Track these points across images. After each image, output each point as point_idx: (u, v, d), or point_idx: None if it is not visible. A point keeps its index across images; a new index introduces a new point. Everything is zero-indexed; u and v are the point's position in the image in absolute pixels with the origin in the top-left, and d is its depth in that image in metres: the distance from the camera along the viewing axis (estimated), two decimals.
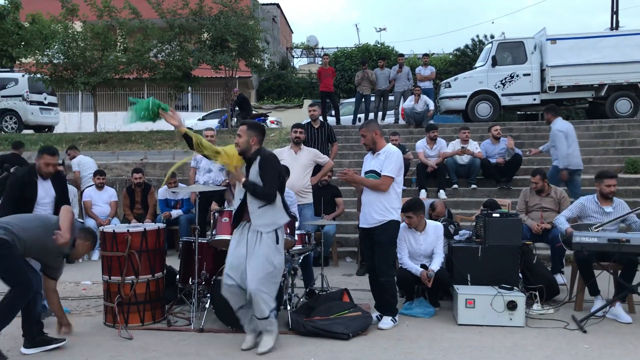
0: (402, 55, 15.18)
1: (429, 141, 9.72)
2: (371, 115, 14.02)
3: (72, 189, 7.99)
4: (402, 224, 5.70)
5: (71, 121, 23.32)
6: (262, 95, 26.57)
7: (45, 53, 15.02)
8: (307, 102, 21.39)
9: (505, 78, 14.11)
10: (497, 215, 5.66)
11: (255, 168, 4.40)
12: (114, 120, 20.64)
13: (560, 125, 8.35)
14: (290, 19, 53.46)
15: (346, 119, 15.41)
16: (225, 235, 4.92)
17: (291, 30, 36.93)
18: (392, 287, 5.07)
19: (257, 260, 4.31)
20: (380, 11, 77.98)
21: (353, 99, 15.40)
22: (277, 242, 4.40)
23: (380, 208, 4.95)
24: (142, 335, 4.81)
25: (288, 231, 5.17)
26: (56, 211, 5.26)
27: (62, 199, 5.46)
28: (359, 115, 14.46)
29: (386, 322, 5.03)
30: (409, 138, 12.05)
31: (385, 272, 5.01)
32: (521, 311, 5.02)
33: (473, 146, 9.65)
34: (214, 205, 6.88)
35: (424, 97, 12.90)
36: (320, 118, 9.33)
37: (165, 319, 5.21)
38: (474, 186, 9.62)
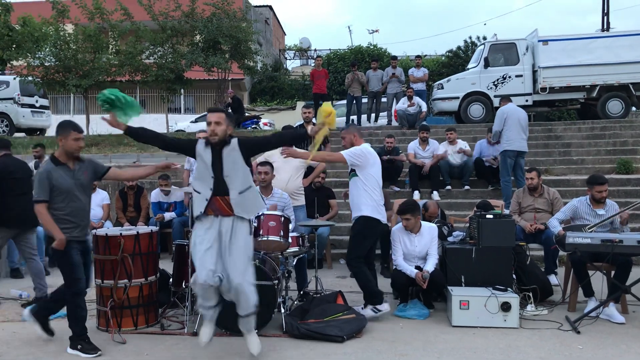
0: (395, 57, 15.19)
1: (421, 142, 9.74)
2: (364, 117, 14.01)
3: None
4: (398, 226, 5.72)
5: None
6: (255, 97, 26.56)
7: (37, 56, 14.95)
8: (300, 104, 21.40)
9: (497, 79, 14.15)
10: (491, 216, 5.66)
11: (234, 149, 4.23)
12: (106, 123, 20.58)
13: (505, 106, 8.98)
14: (283, 21, 53.53)
15: (339, 121, 15.38)
16: None
17: (284, 32, 36.96)
18: (359, 278, 5.29)
19: (238, 251, 4.19)
20: (373, 13, 78.33)
21: (345, 101, 15.41)
22: (250, 233, 4.35)
23: (353, 205, 5.31)
24: (135, 339, 4.78)
25: (282, 233, 5.17)
26: None
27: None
28: (351, 117, 14.47)
29: (366, 311, 5.22)
30: (402, 140, 12.05)
31: (349, 263, 5.34)
32: (515, 312, 5.03)
33: (462, 145, 9.72)
34: None
35: (417, 99, 12.94)
36: (314, 119, 9.31)
37: (158, 322, 5.18)
38: (467, 187, 9.65)
